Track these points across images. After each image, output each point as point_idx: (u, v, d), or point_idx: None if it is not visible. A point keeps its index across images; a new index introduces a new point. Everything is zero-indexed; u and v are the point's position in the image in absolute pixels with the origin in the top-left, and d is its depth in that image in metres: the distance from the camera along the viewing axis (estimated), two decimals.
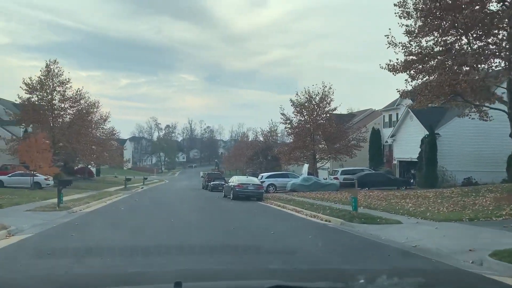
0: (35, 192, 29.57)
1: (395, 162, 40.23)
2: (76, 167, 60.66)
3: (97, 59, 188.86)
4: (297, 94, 39.95)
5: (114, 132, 60.13)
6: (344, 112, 42.90)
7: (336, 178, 36.02)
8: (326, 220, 15.87)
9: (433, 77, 19.77)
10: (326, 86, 39.78)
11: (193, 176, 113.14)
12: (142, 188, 48.01)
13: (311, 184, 32.73)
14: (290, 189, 32.78)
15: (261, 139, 60.07)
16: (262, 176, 34.85)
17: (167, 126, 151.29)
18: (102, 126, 58.95)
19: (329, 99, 39.78)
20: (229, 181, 29.41)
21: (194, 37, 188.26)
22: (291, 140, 62.65)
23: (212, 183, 40.31)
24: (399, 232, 12.71)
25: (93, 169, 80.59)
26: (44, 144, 32.92)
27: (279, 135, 61.50)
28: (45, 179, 34.72)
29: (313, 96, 39.75)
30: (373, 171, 36.80)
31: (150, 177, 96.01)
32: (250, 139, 65.97)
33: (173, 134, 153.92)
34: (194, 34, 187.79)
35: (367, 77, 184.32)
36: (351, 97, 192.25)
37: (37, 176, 33.79)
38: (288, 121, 40.74)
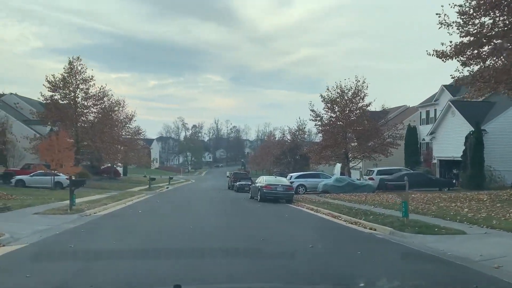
0: (55, 192, 28.28)
1: (434, 161, 37.11)
2: (103, 167, 60.06)
3: (126, 61, 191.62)
4: (328, 89, 37.46)
5: (139, 131, 58.98)
6: (376, 108, 39.95)
7: (371, 179, 33.30)
8: (370, 228, 13.48)
9: (490, 61, 17.02)
10: (359, 81, 37.12)
11: (219, 176, 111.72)
12: (167, 188, 46.55)
13: (344, 185, 30.20)
14: (322, 190, 30.35)
15: (289, 138, 57.68)
16: (291, 176, 32.53)
17: (194, 126, 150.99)
18: (127, 125, 58.06)
19: (362, 94, 37.07)
20: (256, 181, 27.27)
21: (221, 38, 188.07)
22: (321, 139, 60.22)
23: (238, 183, 38.31)
24: (467, 245, 10.23)
25: (120, 169, 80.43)
26: (66, 142, 31.64)
27: (307, 133, 58.97)
28: (67, 178, 33.48)
29: (345, 91, 37.13)
30: (412, 171, 33.85)
31: (176, 176, 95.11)
32: (277, 138, 63.53)
33: (199, 134, 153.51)
34: (221, 35, 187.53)
35: (397, 75, 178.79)
36: (379, 96, 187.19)
37: (59, 175, 32.64)
38: (318, 118, 38.22)
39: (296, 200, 25.01)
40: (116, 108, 42.13)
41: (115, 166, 59.00)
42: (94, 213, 17.25)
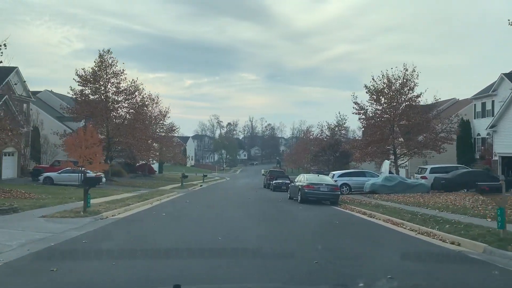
0: (80, 190, 26.34)
1: (495, 158, 32.69)
2: (137, 164, 58.77)
3: (163, 61, 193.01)
4: (373, 79, 33.80)
5: (173, 128, 57.18)
6: (427, 100, 35.66)
7: (424, 178, 29.50)
8: (452, 243, 10.20)
9: None
10: (407, 70, 33.26)
11: (254, 174, 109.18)
12: (200, 186, 44.33)
13: (395, 184, 26.63)
14: (369, 190, 26.93)
15: (327, 134, 54.15)
16: (334, 174, 29.21)
17: (229, 124, 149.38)
18: (161, 121, 56.42)
19: (412, 83, 33.19)
20: (296, 180, 24.22)
21: (256, 36, 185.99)
22: (361, 134, 56.21)
23: (274, 181, 35.39)
24: None
25: (155, 166, 79.42)
26: (94, 138, 29.76)
27: (346, 129, 55.18)
28: (97, 175, 31.69)
29: (393, 81, 33.36)
30: (471, 169, 29.75)
31: (211, 174, 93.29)
32: (315, 134, 60.02)
33: (234, 132, 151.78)
34: (256, 33, 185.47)
35: (438, 70, 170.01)
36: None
37: (88, 172, 30.83)
38: (362, 111, 34.64)
39: (341, 201, 21.80)
40: (148, 102, 39.97)
41: (149, 163, 57.48)
42: (112, 215, 14.84)
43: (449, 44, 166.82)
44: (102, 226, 12.12)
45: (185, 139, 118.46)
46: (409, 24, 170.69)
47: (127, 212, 16.18)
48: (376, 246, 9.91)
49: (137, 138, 37.57)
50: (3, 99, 31.81)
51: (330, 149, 47.92)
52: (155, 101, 55.54)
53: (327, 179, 22.55)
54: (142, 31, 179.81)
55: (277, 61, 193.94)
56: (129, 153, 43.25)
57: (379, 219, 15.16)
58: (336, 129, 53.72)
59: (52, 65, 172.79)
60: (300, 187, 21.67)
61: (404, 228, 12.92)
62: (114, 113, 37.78)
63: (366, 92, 34.44)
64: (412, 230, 12.36)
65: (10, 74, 39.63)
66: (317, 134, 56.40)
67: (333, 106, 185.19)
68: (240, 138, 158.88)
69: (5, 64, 24.98)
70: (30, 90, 54.36)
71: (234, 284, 5.85)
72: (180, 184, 37.96)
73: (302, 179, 22.41)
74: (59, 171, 31.22)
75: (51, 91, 54.04)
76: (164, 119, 56.24)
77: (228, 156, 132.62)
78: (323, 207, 20.23)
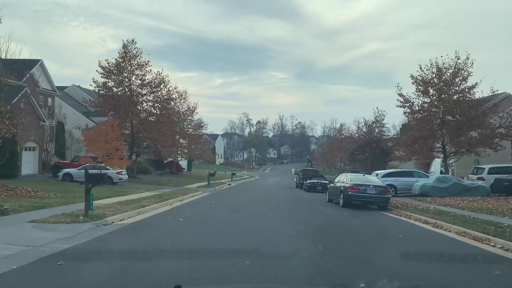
0: (97, 189, 24.12)
1: None
2: (165, 161, 56.90)
3: (194, 60, 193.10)
4: (420, 68, 30.09)
5: (201, 124, 54.86)
6: (482, 93, 31.40)
7: (481, 179, 25.64)
8: None
9: None
10: (459, 58, 29.35)
11: (285, 173, 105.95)
12: (229, 184, 41.71)
13: (449, 186, 23.00)
14: (419, 192, 23.42)
15: (364, 131, 50.29)
16: (377, 174, 25.74)
17: (258, 122, 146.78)
18: (189, 117, 54.26)
19: (465, 73, 29.27)
20: (336, 180, 21.02)
21: (285, 35, 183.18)
22: (399, 132, 52.09)
23: (308, 181, 32.24)
24: None
25: (184, 164, 77.72)
26: (115, 132, 27.61)
27: (386, 125, 51.12)
28: (117, 172, 29.55)
29: (443, 70, 29.54)
30: None
31: (240, 172, 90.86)
32: (350, 131, 56.11)
33: (264, 130, 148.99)
34: (286, 32, 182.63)
35: (478, 66, 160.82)
36: None
37: (108, 169, 28.76)
38: (408, 104, 30.97)
39: (390, 205, 18.45)
40: (174, 95, 37.56)
41: (176, 160, 55.46)
42: (120, 220, 12.21)
43: (484, 41, 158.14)
44: (99, 237, 9.45)
45: (214, 136, 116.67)
46: (443, 21, 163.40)
47: (139, 216, 13.54)
48: (480, 279, 6.71)
49: (162, 133, 35.28)
50: (23, 91, 30.10)
51: (369, 147, 44.15)
52: (183, 96, 53.56)
53: (375, 179, 19.19)
54: (174, 31, 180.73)
55: (307, 59, 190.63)
56: (154, 149, 41.10)
57: (449, 231, 11.85)
58: (374, 125, 49.79)
59: (87, 65, 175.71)
60: (342, 188, 18.48)
61: (494, 246, 9.61)
62: (138, 107, 35.59)
63: (413, 83, 30.79)
64: (508, 251, 9.06)
65: (34, 67, 38.22)
66: (353, 131, 52.65)
67: (364, 104, 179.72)
68: (270, 136, 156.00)
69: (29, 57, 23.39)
70: (58, 85, 53.42)
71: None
72: (206, 183, 35.40)
73: (345, 179, 19.19)
74: (79, 167, 29.22)
75: (79, 86, 52.83)
76: (192, 115, 54.10)
77: (257, 155, 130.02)
78: (371, 212, 17.00)
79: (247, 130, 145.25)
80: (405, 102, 31.25)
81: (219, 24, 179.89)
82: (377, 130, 50.10)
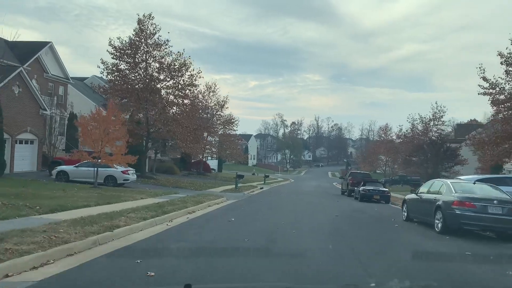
0: (85, 192, 17.96)
1: None
2: (193, 161, 50.96)
3: (229, 62, 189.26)
4: None
5: (232, 120, 48.39)
6: None
7: None
8: None
9: None
10: None
11: (321, 176, 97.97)
12: (261, 188, 35.02)
13: None
14: None
15: (420, 129, 42.23)
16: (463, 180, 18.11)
17: (293, 123, 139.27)
18: (218, 113, 48.01)
19: None
20: (421, 191, 13.67)
21: (319, 36, 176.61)
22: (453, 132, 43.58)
23: (362, 188, 24.85)
24: None
25: (214, 164, 71.75)
26: (117, 120, 21.48)
27: (446, 123, 42.71)
28: (123, 172, 23.43)
29: None
30: None
31: (273, 175, 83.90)
32: (397, 131, 47.70)
33: (298, 132, 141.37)
34: (319, 33, 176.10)
35: None
36: None
37: (111, 168, 22.73)
38: (496, 89, 23.17)
39: None
40: (198, 82, 30.99)
41: (203, 159, 49.28)
42: (33, 270, 5.68)
43: None
44: None
45: (247, 137, 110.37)
46: (486, 22, 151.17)
47: (82, 255, 6.96)
48: None
49: (183, 125, 28.98)
50: (16, 72, 24.60)
51: (430, 148, 36.11)
52: (212, 89, 47.44)
53: (496, 192, 11.68)
54: (209, 33, 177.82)
55: (342, 61, 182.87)
56: (174, 146, 35.02)
57: None
58: (431, 123, 41.70)
59: None
60: (441, 203, 11.23)
61: None
62: (156, 95, 29.45)
63: (501, 63, 23.01)
64: None
65: (42, 49, 33.03)
66: (405, 131, 44.51)
67: (401, 108, 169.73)
68: (305, 138, 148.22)
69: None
70: (78, 76, 48.42)
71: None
72: (234, 186, 28.81)
73: (444, 189, 11.87)
74: (77, 164, 23.34)
75: (100, 77, 47.69)
76: (221, 109, 47.81)
77: (292, 157, 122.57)
78: (497, 245, 9.74)
79: (281, 131, 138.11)
80: (491, 87, 23.49)
81: (251, 26, 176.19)
82: (435, 129, 41.98)
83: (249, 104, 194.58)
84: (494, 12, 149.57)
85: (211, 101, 47.37)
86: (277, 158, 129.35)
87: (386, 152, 57.63)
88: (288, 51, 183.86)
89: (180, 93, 29.58)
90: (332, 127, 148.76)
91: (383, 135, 63.36)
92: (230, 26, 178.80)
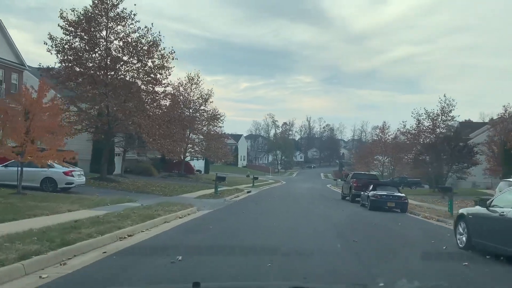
0: (12, 198, 12.43)
1: None
2: (175, 161, 45.33)
3: (220, 64, 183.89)
4: None
5: (217, 115, 42.81)
6: None
7: None
8: None
9: None
10: None
11: (314, 178, 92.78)
12: (248, 192, 29.63)
13: None
14: None
15: (426, 125, 37.17)
16: None
17: (284, 123, 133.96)
18: (202, 108, 42.49)
19: None
20: (499, 203, 8.28)
21: (311, 39, 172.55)
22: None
23: (373, 193, 19.38)
24: None
25: (200, 165, 66.18)
26: (54, 106, 15.86)
27: (455, 119, 37.54)
28: (65, 173, 17.82)
29: None
30: None
31: (264, 176, 78.38)
32: (406, 127, 42.05)
33: (290, 132, 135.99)
34: (311, 36, 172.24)
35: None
36: (488, 97, 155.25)
37: (53, 167, 17.16)
38: None
39: None
40: (171, 65, 25.15)
41: (184, 159, 43.65)
42: None
43: None
44: None
45: (237, 137, 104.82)
46: (478, 25, 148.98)
47: None
48: None
49: (151, 116, 23.41)
50: None
51: (444, 145, 30.86)
52: (194, 81, 41.91)
53: None
54: (201, 35, 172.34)
55: (333, 63, 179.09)
56: (139, 142, 29.49)
57: None
58: (439, 118, 36.64)
59: None
60: None
61: None
62: (119, 79, 23.83)
63: None
64: None
65: None
66: (409, 127, 39.31)
67: (393, 110, 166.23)
68: (296, 139, 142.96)
69: None
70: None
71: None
72: (214, 190, 23.29)
73: None
74: (5, 163, 17.67)
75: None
76: (205, 104, 42.28)
77: (283, 158, 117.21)
78: None
79: (272, 132, 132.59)
80: None
81: (243, 28, 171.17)
82: (443, 125, 36.91)
83: (241, 105, 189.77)
84: (485, 15, 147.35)
85: (193, 95, 41.88)
86: (268, 159, 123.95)
87: (384, 152, 52.57)
88: (280, 53, 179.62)
89: (148, 77, 23.99)
90: (324, 127, 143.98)
91: (380, 134, 58.24)
92: (222, 27, 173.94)
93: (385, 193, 19.00)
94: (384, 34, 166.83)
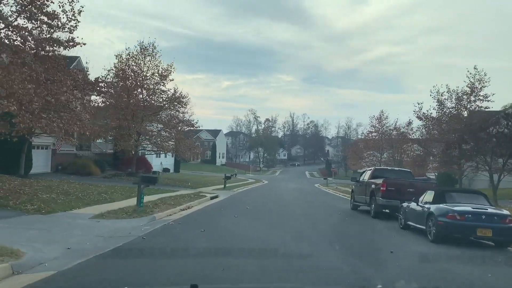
0: None
1: None
2: (126, 156, 34.67)
3: (201, 62, 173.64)
4: None
5: (179, 97, 32.18)
6: None
7: None
8: None
9: None
10: None
11: (299, 176, 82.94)
12: (213, 198, 19.47)
13: None
14: None
15: (450, 106, 27.66)
16: None
17: (267, 119, 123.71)
18: (159, 85, 31.90)
19: None
20: None
21: (293, 38, 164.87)
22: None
23: (441, 209, 9.28)
24: None
25: (170, 162, 55.49)
26: None
27: (489, 98, 27.92)
28: None
29: None
30: None
31: (244, 175, 68.06)
32: (423, 110, 31.61)
33: (273, 129, 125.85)
34: (293, 35, 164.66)
35: (489, 72, 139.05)
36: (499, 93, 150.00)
37: None
38: None
39: None
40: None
41: (136, 153, 32.95)
42: None
43: (499, 45, 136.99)
44: None
45: (215, 132, 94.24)
46: (455, 25, 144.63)
47: None
48: None
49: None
50: None
51: (487, 133, 20.97)
52: (149, 51, 31.30)
53: None
54: (182, 33, 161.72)
55: (315, 62, 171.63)
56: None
57: None
58: (465, 97, 27.15)
59: (97, 66, 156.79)
60: None
61: None
62: None
63: None
64: None
65: None
66: (426, 111, 29.51)
67: (373, 109, 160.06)
68: (280, 136, 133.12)
69: None
70: None
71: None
72: (137, 201, 12.85)
73: None
74: None
75: None
76: (164, 82, 31.67)
77: (265, 155, 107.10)
78: None
79: (254, 128, 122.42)
80: None
81: (225, 26, 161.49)
82: (473, 106, 27.40)
83: (223, 104, 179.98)
84: (462, 16, 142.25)
85: (147, 70, 31.28)
86: (249, 157, 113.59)
87: (384, 145, 43.02)
88: (261, 52, 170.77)
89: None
90: (308, 124, 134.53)
91: (377, 124, 48.58)
92: (202, 25, 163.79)
93: (472, 210, 8.93)
94: (364, 34, 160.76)
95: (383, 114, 49.61)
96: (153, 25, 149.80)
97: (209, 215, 13.45)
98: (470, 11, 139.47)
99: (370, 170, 15.97)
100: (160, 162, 54.95)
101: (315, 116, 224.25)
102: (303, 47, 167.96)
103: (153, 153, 36.01)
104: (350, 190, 17.64)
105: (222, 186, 29.95)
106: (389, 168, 16.51)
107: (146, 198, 13.91)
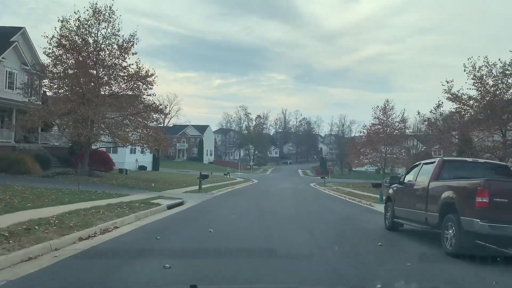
0: None
1: None
2: (83, 151, 27.22)
3: (193, 60, 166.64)
4: None
5: (144, 74, 24.83)
6: None
7: None
8: None
9: None
10: None
11: (291, 175, 75.86)
12: (174, 207, 12.48)
13: None
14: None
15: (490, 83, 20.98)
16: None
17: (258, 116, 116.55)
18: (118, 60, 24.54)
19: None
20: None
21: (284, 36, 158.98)
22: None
23: None
24: None
25: (147, 160, 48.18)
26: None
27: None
28: None
29: None
30: None
31: (233, 174, 60.95)
32: (452, 88, 24.46)
33: (264, 126, 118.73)
34: (284, 33, 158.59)
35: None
36: None
37: None
38: None
39: None
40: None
41: (94, 147, 25.57)
42: None
43: (488, 45, 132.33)
44: None
45: (202, 128, 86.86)
46: (446, 25, 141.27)
47: None
48: None
49: None
50: None
51: None
52: (104, 14, 23.92)
53: None
54: (173, 31, 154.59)
55: (306, 61, 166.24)
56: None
57: None
58: (502, 74, 20.38)
59: None
60: None
61: None
62: None
63: None
64: None
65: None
66: (457, 91, 22.56)
67: (364, 108, 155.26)
68: (271, 133, 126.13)
69: None
70: None
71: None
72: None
73: None
74: None
75: None
76: (126, 55, 24.33)
77: (256, 153, 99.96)
78: None
79: (245, 125, 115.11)
80: None
81: (216, 24, 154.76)
82: None
83: (214, 103, 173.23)
84: (452, 15, 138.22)
85: (103, 40, 23.96)
86: (240, 155, 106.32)
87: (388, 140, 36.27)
88: (253, 50, 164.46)
89: None
90: (300, 121, 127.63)
91: (382, 116, 41.71)
92: (193, 24, 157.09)
93: None
94: (355, 33, 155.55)
95: (388, 104, 42.87)
96: (144, 23, 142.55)
97: (103, 263, 6.13)
98: (461, 11, 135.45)
99: (431, 163, 8.90)
100: (136, 159, 47.48)
101: (307, 114, 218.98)
102: (295, 45, 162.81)
103: (110, 146, 28.67)
104: (384, 198, 10.80)
105: (198, 188, 22.77)
106: (469, 159, 9.45)
107: (47, 211, 6.71)
